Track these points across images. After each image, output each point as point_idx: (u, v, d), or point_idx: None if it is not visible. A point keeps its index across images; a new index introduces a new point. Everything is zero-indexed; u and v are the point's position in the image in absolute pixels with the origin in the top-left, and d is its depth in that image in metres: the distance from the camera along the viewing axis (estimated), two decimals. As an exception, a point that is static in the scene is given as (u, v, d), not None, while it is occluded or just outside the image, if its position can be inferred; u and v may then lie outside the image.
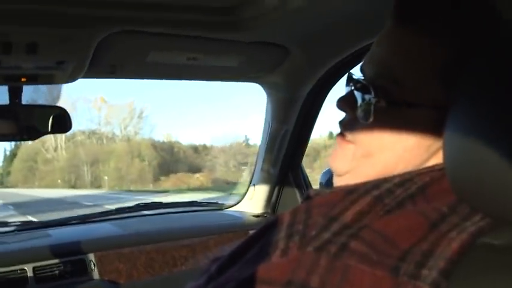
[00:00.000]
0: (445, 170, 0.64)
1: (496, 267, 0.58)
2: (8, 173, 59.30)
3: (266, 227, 0.78)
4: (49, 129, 1.54)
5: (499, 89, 0.56)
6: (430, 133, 0.73)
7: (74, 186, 49.76)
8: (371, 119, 0.74)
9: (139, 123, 55.87)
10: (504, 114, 0.55)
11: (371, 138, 0.76)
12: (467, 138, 0.58)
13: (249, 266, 0.71)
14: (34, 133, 1.55)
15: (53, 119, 1.55)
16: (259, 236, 0.78)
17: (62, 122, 1.56)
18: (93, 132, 56.67)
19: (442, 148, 0.69)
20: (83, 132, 56.38)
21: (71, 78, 1.44)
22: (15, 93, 1.49)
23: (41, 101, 1.66)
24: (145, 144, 51.87)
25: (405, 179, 0.71)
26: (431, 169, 0.73)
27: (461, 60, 0.69)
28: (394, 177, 0.72)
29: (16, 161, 57.56)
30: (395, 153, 0.75)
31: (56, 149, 56.51)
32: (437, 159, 0.73)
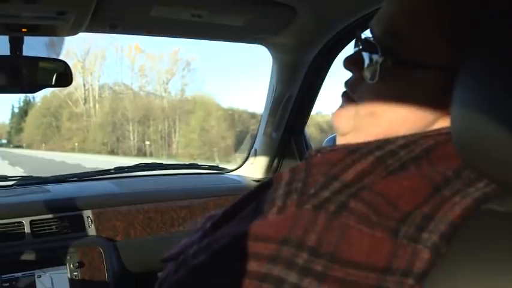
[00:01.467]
0: (451, 133, 0.62)
1: (499, 234, 0.57)
2: (19, 130, 54.52)
3: (263, 186, 0.77)
4: (52, 83, 1.52)
5: (509, 52, 0.55)
6: (436, 95, 0.71)
7: (113, 152, 41.12)
8: (377, 78, 0.73)
9: (185, 77, 46.25)
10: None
11: (376, 97, 0.75)
12: (476, 102, 0.57)
13: (244, 223, 0.70)
14: (34, 86, 1.53)
15: (54, 71, 1.52)
16: (256, 194, 0.77)
17: (63, 75, 1.54)
18: (126, 87, 48.99)
19: (448, 112, 0.67)
20: (118, 85, 48.57)
21: (72, 31, 1.41)
22: (16, 45, 1.46)
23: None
24: (211, 102, 38.60)
25: (410, 141, 0.70)
26: (437, 132, 0.71)
27: (470, 22, 0.67)
28: (398, 138, 0.71)
29: (31, 116, 51.27)
30: (399, 113, 0.73)
31: (86, 101, 48.06)
32: (443, 122, 0.72)
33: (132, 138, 42.38)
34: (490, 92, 0.55)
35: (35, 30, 1.39)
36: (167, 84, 46.29)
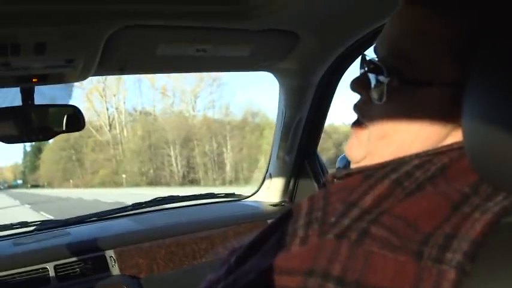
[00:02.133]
0: (464, 148, 0.62)
1: None
2: (35, 168, 51.47)
3: (284, 216, 0.77)
4: (63, 128, 1.55)
5: None
6: (445, 111, 0.72)
7: (154, 182, 35.15)
8: (384, 99, 0.74)
9: (213, 93, 41.93)
10: None
11: (385, 118, 0.76)
12: (487, 116, 0.57)
13: (268, 256, 0.70)
14: (48, 133, 1.56)
15: (66, 117, 1.55)
16: (278, 225, 0.77)
17: (75, 120, 1.57)
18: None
19: (459, 126, 0.68)
20: (145, 111, 43.42)
21: (81, 76, 1.44)
22: (27, 94, 1.50)
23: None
24: (264, 117, 33.69)
25: (424, 161, 0.70)
26: (450, 148, 0.71)
27: (474, 38, 0.68)
28: (412, 158, 0.71)
29: (47, 152, 48.62)
30: (410, 132, 0.74)
31: (111, 127, 43.84)
32: (454, 137, 0.72)
33: (175, 164, 36.90)
34: (500, 104, 0.55)
35: (45, 80, 1.42)
36: (195, 102, 42.20)
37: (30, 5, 1.08)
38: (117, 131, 43.89)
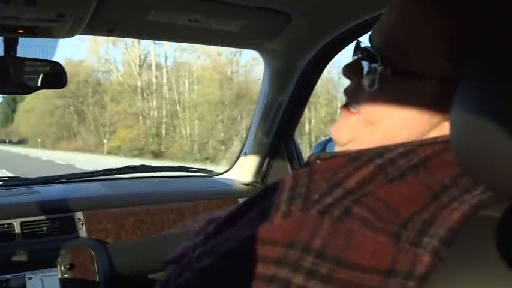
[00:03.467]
0: (450, 142, 0.64)
1: (494, 240, 0.59)
2: (7, 121, 43.75)
3: (266, 190, 0.78)
4: (43, 84, 1.52)
5: (509, 64, 0.57)
6: (432, 105, 0.74)
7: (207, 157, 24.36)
8: (375, 87, 0.75)
9: None
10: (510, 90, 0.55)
11: (374, 106, 0.77)
12: (475, 111, 0.58)
13: (249, 227, 0.71)
14: (26, 87, 1.53)
15: (47, 72, 1.52)
16: (259, 199, 0.78)
17: (56, 76, 1.54)
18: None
19: (444, 120, 0.72)
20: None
21: (69, 33, 1.41)
22: (10, 45, 1.46)
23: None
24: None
25: (408, 150, 0.72)
26: (434, 140, 0.73)
27: (470, 36, 0.69)
28: (397, 146, 0.73)
29: (30, 101, 38.48)
30: (397, 122, 0.76)
31: (142, 65, 31.95)
32: (439, 131, 0.74)
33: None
34: (490, 101, 0.57)
35: (31, 32, 1.39)
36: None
37: None
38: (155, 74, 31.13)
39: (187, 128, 29.37)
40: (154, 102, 32.16)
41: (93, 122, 36.16)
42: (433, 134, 0.75)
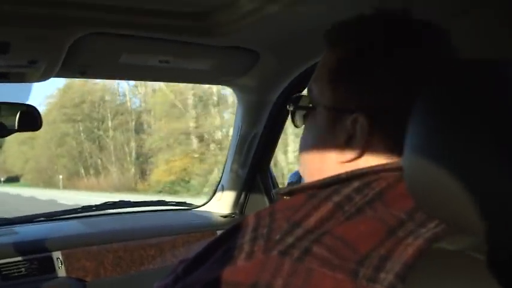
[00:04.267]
0: (403, 176, 0.67)
1: (450, 272, 0.62)
2: None
3: (231, 230, 0.80)
4: (17, 127, 1.54)
5: (458, 102, 0.60)
6: (328, 131, 0.82)
7: None
8: (298, 124, 0.90)
9: None
10: (459, 125, 0.58)
11: (301, 140, 0.90)
12: (426, 149, 0.61)
13: (214, 268, 0.73)
14: (4, 130, 1.55)
15: (21, 116, 1.55)
16: (225, 239, 0.80)
17: (31, 119, 1.56)
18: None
19: (362, 154, 0.79)
20: None
21: (43, 77, 1.45)
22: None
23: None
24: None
25: (364, 184, 0.75)
26: (383, 167, 0.76)
27: (347, 66, 0.80)
28: (351, 180, 0.76)
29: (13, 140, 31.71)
30: (311, 150, 0.87)
31: None
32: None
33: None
34: (439, 139, 0.60)
35: (5, 77, 1.42)
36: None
37: None
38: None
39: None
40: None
41: (114, 151, 29.06)
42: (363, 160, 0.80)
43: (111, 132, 29.90)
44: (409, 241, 0.66)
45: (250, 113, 1.97)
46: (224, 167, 2.23)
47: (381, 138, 0.78)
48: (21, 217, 2.04)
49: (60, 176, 30.19)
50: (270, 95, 1.87)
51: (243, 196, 2.19)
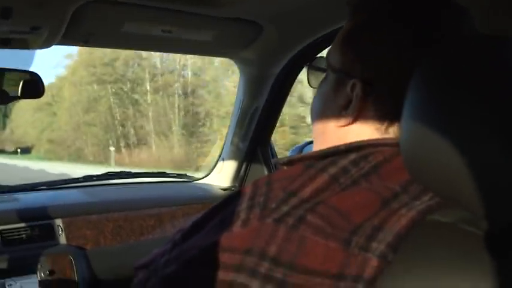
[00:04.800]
0: (400, 149, 0.67)
1: (441, 243, 0.62)
2: None
3: (229, 199, 0.82)
4: (22, 93, 1.55)
5: (457, 72, 0.60)
6: (332, 94, 0.85)
7: None
8: (312, 84, 0.96)
9: None
10: (461, 97, 0.58)
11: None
12: (424, 120, 0.61)
13: (211, 235, 0.75)
14: (6, 97, 1.56)
15: (23, 83, 1.55)
16: (222, 207, 0.82)
17: (33, 86, 1.57)
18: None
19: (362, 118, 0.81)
20: None
21: (45, 44, 1.45)
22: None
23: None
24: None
25: (360, 156, 0.76)
26: (383, 142, 0.78)
27: (360, 31, 0.82)
28: (348, 152, 0.77)
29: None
30: (317, 114, 0.89)
31: None
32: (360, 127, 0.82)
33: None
34: (438, 109, 0.60)
35: (7, 44, 1.42)
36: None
37: None
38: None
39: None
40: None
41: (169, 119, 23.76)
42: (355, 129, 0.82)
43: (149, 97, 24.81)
44: (402, 212, 0.67)
45: (252, 86, 1.97)
46: (225, 140, 2.24)
47: (374, 107, 0.80)
48: (22, 185, 2.06)
49: (112, 149, 24.18)
50: (272, 69, 1.87)
51: (243, 169, 2.20)
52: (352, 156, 0.76)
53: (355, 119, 0.81)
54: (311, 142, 1.99)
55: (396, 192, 0.70)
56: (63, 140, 27.17)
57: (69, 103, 26.91)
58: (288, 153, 2.00)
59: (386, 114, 0.79)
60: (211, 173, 2.34)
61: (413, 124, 0.63)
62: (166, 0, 1.32)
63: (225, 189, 2.21)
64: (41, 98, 1.62)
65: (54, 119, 28.83)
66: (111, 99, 25.30)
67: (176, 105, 24.05)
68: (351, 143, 0.79)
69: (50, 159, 25.65)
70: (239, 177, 2.22)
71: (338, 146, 0.79)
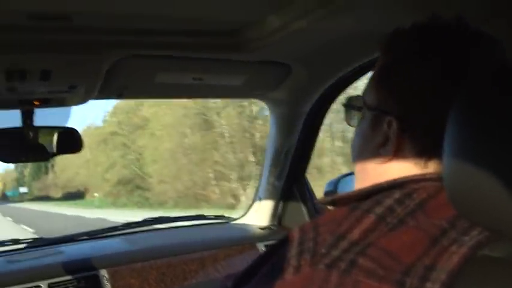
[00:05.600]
0: (444, 184, 0.67)
1: (494, 279, 0.62)
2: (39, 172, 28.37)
3: (277, 245, 0.83)
4: (61, 149, 1.60)
5: (498, 106, 0.60)
6: (369, 132, 0.85)
7: None
8: (350, 123, 0.96)
9: None
10: (501, 129, 0.59)
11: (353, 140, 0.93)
12: (466, 154, 0.61)
13: (263, 283, 0.76)
14: (45, 154, 1.61)
15: (64, 139, 1.60)
16: (271, 254, 0.83)
17: (73, 142, 1.62)
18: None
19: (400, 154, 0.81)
20: None
21: (82, 101, 1.50)
22: (27, 116, 1.54)
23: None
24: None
25: (404, 194, 0.76)
26: (422, 177, 0.78)
27: (395, 67, 0.83)
28: (392, 190, 0.77)
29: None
30: (357, 151, 0.90)
31: None
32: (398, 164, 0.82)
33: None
34: (480, 143, 0.60)
35: (46, 103, 1.48)
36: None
37: (39, 34, 1.14)
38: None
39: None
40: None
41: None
42: (395, 166, 0.82)
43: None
44: (453, 249, 0.67)
45: (284, 125, 1.99)
46: (260, 179, 2.25)
47: (411, 142, 0.80)
48: (64, 236, 2.09)
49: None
50: (303, 107, 1.89)
51: (280, 207, 2.20)
52: (396, 194, 0.76)
53: (394, 156, 0.81)
54: (345, 175, 1.99)
55: (444, 229, 0.70)
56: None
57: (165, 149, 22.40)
58: (324, 187, 1.99)
59: (425, 149, 0.79)
60: (248, 212, 2.34)
61: (455, 159, 0.63)
62: (195, 50, 1.36)
63: (263, 228, 2.20)
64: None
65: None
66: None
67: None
68: (393, 180, 0.79)
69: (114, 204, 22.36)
70: (277, 216, 2.21)
71: (380, 184, 0.79)
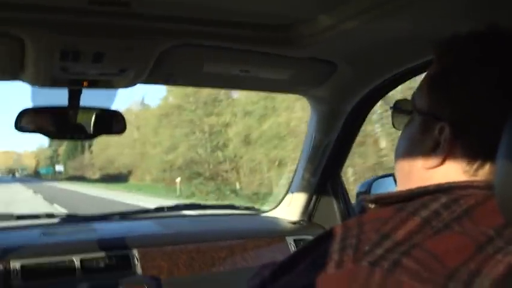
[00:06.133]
0: (495, 192, 0.67)
1: None
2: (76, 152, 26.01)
3: (318, 239, 0.83)
4: (106, 130, 1.63)
5: None
6: (418, 137, 0.85)
7: None
8: (397, 126, 0.97)
9: None
10: None
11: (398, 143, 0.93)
12: None
13: (304, 275, 0.76)
14: (89, 133, 1.64)
15: (109, 120, 1.64)
16: (312, 248, 0.83)
17: (117, 123, 1.65)
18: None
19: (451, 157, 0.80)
20: None
21: (129, 85, 1.53)
22: (74, 96, 1.58)
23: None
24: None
25: (451, 199, 0.75)
26: (470, 184, 0.78)
27: (446, 74, 0.82)
28: (439, 194, 0.77)
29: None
30: (402, 155, 0.90)
31: None
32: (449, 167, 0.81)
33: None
34: None
35: (95, 84, 1.51)
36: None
37: (97, 17, 1.17)
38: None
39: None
40: None
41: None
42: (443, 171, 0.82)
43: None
44: (498, 258, 0.66)
45: (324, 122, 2.00)
46: (295, 173, 2.26)
47: (462, 149, 0.79)
48: (98, 214, 2.14)
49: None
50: (344, 106, 1.89)
51: (312, 203, 2.21)
52: (443, 199, 0.76)
53: (443, 161, 0.81)
54: (379, 177, 1.98)
55: (490, 237, 0.69)
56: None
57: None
58: (356, 188, 1.99)
59: (476, 157, 0.79)
60: (279, 206, 2.36)
61: (510, 166, 0.63)
62: (245, 42, 1.37)
63: (294, 223, 2.22)
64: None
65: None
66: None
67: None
68: (440, 184, 0.79)
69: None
70: (308, 211, 2.22)
71: (427, 187, 0.79)
